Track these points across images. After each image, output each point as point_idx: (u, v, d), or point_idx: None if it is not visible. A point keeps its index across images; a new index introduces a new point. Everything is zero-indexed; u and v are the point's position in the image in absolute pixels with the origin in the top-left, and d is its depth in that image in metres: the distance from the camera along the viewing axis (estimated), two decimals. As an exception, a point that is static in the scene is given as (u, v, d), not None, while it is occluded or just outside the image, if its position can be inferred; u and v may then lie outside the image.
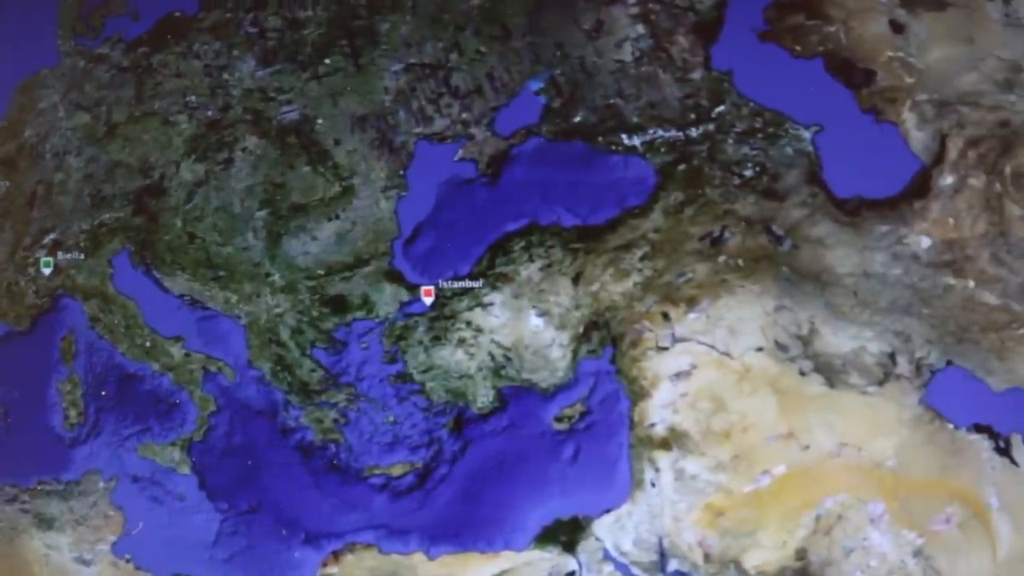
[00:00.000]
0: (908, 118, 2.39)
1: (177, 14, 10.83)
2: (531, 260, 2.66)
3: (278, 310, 9.59)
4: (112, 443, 10.57)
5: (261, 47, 9.83)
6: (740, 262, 2.50)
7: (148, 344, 10.46)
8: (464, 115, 6.86)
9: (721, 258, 2.70)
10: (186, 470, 10.26)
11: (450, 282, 7.18)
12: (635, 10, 2.38)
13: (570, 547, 2.75)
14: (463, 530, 6.82)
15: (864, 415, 2.32)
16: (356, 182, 8.49)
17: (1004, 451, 2.33)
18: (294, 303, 9.45)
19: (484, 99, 5.08)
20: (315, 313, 9.29)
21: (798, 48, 2.35)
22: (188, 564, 10.04)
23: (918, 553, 2.17)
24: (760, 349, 2.22)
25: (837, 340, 2.17)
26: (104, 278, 10.90)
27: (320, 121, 8.94)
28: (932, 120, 2.26)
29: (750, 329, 2.37)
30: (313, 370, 9.07)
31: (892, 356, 2.23)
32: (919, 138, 2.33)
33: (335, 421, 8.81)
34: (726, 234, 2.88)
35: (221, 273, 10.19)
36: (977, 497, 2.33)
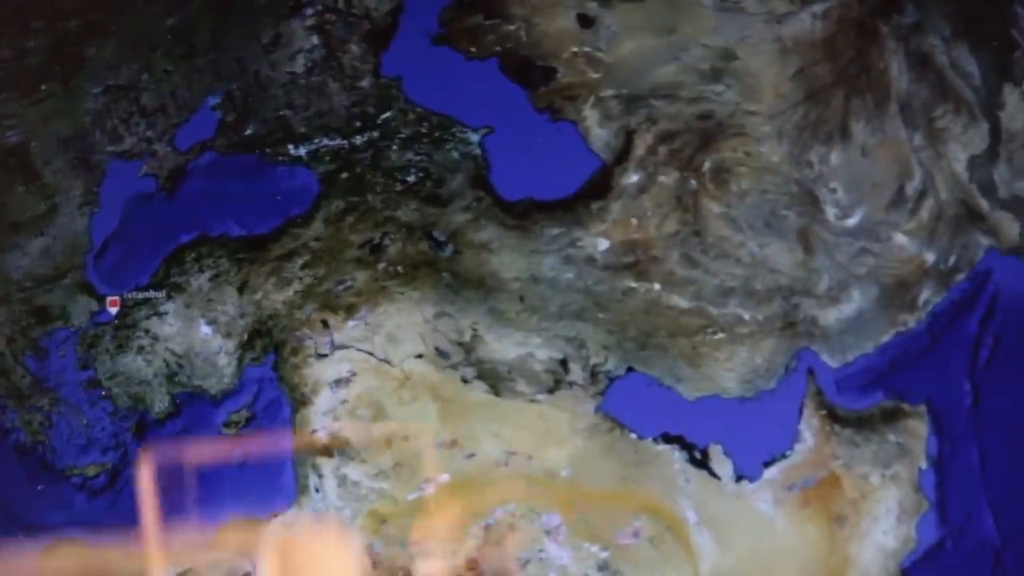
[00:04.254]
0: (590, 115, 1.45)
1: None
2: (201, 271, 1.58)
3: (-2, 320, 7.58)
4: None
5: (-5, 79, 7.94)
6: (400, 269, 1.53)
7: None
8: (149, 132, 4.64)
9: (380, 265, 1.73)
10: (-61, 466, 7.90)
11: (133, 293, 4.87)
12: (312, 21, 1.37)
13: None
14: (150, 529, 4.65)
15: (533, 424, 1.39)
16: (59, 200, 6.13)
17: (701, 463, 1.39)
18: (9, 314, 7.35)
19: (168, 116, 3.54)
20: (25, 323, 7.01)
21: (473, 49, 1.37)
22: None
23: (603, 567, 1.25)
24: (420, 356, 1.26)
25: (502, 347, 1.24)
26: None
27: (34, 144, 6.66)
28: (618, 116, 1.32)
29: (409, 336, 1.35)
30: (24, 376, 7.14)
31: (564, 363, 1.31)
32: (601, 136, 1.44)
33: (41, 424, 6.96)
34: (386, 241, 1.88)
35: (-45, 287, 7.96)
36: (670, 510, 1.40)
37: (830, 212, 0.78)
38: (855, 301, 0.77)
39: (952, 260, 0.81)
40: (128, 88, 0.74)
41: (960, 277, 0.80)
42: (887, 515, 0.77)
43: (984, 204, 0.79)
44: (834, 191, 0.78)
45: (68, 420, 0.74)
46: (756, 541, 0.75)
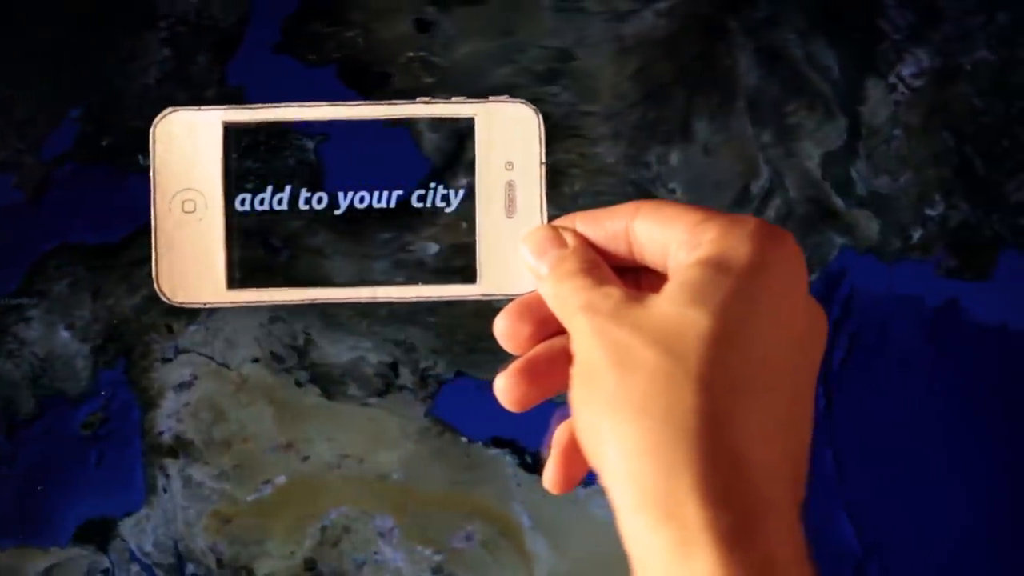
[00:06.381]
0: (423, 120, 1.37)
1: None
2: (61, 277, 1.54)
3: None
4: None
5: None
6: (238, 274, 1.44)
7: None
8: (19, 145, 4.88)
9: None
10: None
11: (5, 299, 5.03)
12: (165, 34, 1.33)
13: (103, 546, 1.65)
14: (21, 527, 4.78)
15: (365, 427, 1.28)
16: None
17: (533, 467, 1.26)
18: None
19: (36, 129, 3.63)
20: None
21: (312, 57, 1.28)
22: None
23: (438, 570, 1.15)
24: (256, 360, 1.20)
25: (335, 351, 1.16)
26: None
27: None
28: (452, 120, 1.23)
29: (246, 340, 1.27)
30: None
31: (394, 367, 1.22)
32: (432, 139, 1.33)
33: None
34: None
35: None
36: (503, 514, 1.27)
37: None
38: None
39: (801, 260, 0.78)
40: (2, 102, 0.77)
41: (812, 277, 0.77)
42: (732, 521, 0.74)
43: (839, 202, 0.76)
44: (673, 191, 0.77)
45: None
46: (593, 546, 0.74)
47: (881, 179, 0.77)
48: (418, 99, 0.38)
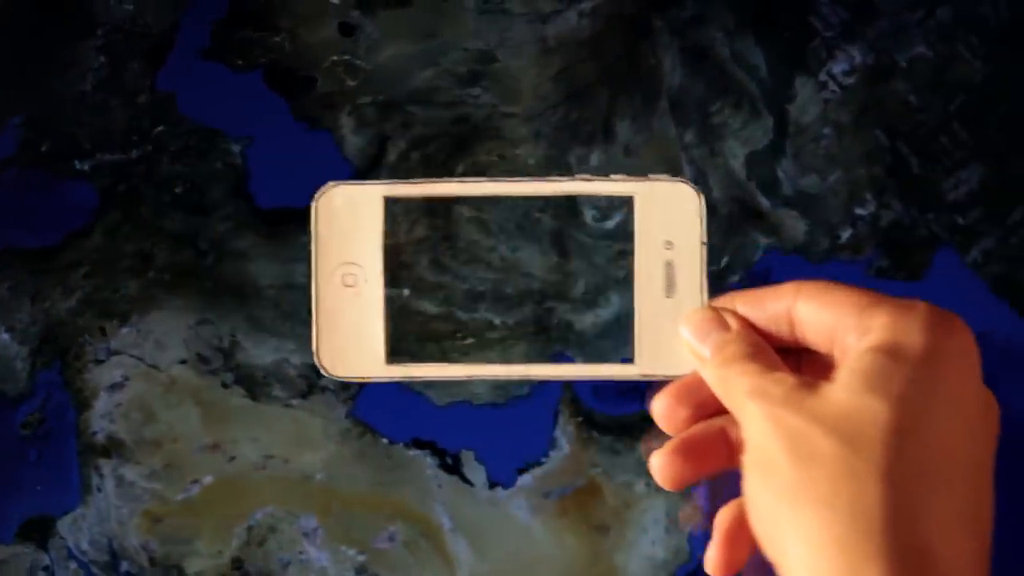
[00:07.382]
0: (346, 123, 1.25)
1: None
2: (3, 281, 1.49)
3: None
4: None
5: None
6: (167, 277, 1.38)
7: None
8: None
9: (150, 274, 1.54)
10: None
11: None
12: (100, 41, 1.31)
13: (43, 544, 1.55)
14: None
15: (289, 428, 1.21)
16: None
17: (453, 469, 1.18)
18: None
19: None
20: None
21: (240, 62, 1.24)
22: None
23: (362, 571, 1.10)
24: (184, 362, 1.16)
25: (259, 352, 1.10)
26: None
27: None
28: (373, 123, 1.12)
29: (175, 342, 1.20)
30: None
31: (316, 368, 1.19)
32: (355, 143, 1.22)
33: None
34: (156, 250, 1.68)
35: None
36: (424, 515, 1.20)
37: (588, 214, 0.76)
38: (613, 305, 0.74)
39: (724, 260, 0.77)
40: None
41: (734, 279, 0.76)
42: (655, 525, 0.73)
43: (764, 202, 0.76)
44: (593, 192, 0.77)
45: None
46: (514, 548, 0.74)
47: (809, 178, 0.76)
48: (577, 176, 0.37)
